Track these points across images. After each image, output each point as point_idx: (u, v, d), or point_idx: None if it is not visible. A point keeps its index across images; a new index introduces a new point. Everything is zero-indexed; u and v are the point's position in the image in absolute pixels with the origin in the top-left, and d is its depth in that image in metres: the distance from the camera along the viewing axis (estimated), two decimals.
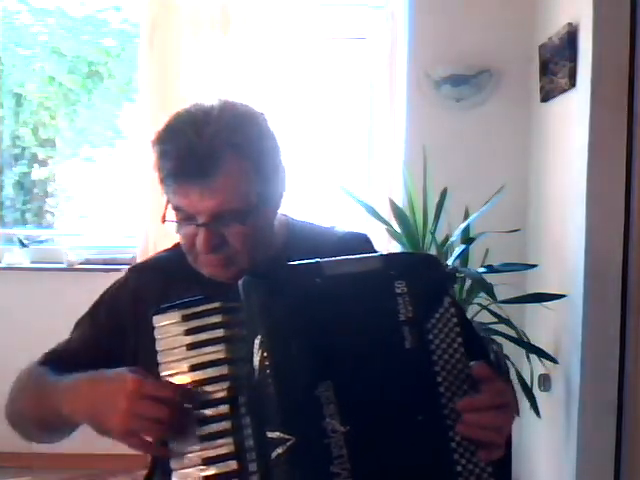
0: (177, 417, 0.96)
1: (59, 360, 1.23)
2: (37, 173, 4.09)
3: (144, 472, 1.31)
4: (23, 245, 3.52)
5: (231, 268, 1.15)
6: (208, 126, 1.10)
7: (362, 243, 1.31)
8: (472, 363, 0.96)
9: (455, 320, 0.98)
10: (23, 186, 4.06)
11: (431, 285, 0.99)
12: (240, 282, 0.98)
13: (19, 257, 3.47)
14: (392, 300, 0.97)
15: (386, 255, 1.03)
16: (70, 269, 3.41)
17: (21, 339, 3.31)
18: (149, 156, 1.16)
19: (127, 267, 1.34)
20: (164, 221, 1.16)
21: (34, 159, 4.05)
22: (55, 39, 3.96)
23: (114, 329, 1.24)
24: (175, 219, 1.15)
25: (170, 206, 1.15)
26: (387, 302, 0.97)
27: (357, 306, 0.97)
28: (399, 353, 0.96)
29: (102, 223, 3.98)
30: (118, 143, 4.07)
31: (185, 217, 1.13)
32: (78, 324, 1.30)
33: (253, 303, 0.96)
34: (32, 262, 3.48)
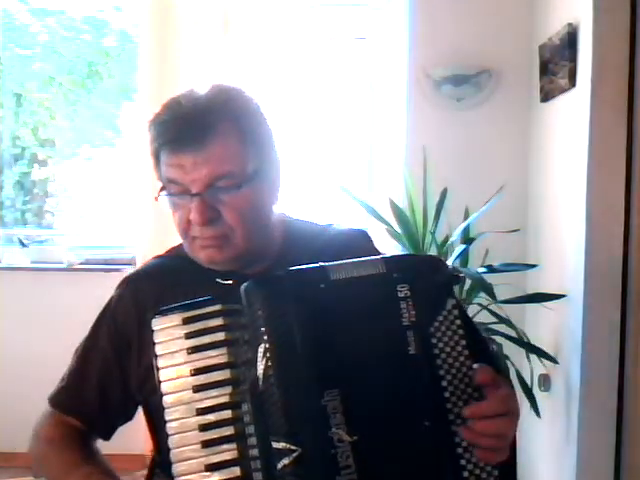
0: None
1: (70, 399, 1.24)
2: (37, 173, 4.09)
3: (144, 472, 1.31)
4: (23, 245, 3.53)
5: (227, 249, 1.13)
6: (203, 98, 1.13)
7: (361, 240, 1.30)
8: (476, 365, 0.96)
9: (458, 322, 0.97)
10: (23, 186, 4.06)
11: (434, 288, 0.98)
12: (242, 288, 0.96)
13: (19, 257, 3.47)
14: (395, 304, 0.96)
15: (389, 257, 1.02)
16: (70, 269, 3.40)
17: (21, 339, 3.32)
18: (148, 151, 1.16)
19: (126, 267, 1.34)
20: (157, 199, 1.14)
21: (34, 159, 4.05)
22: (55, 39, 3.96)
23: (118, 348, 1.22)
24: (169, 196, 1.13)
25: (163, 183, 1.13)
26: (390, 307, 0.96)
27: (361, 312, 0.96)
28: (404, 359, 0.95)
29: (102, 223, 3.97)
30: (118, 143, 4.07)
31: (179, 191, 1.11)
32: (80, 352, 1.27)
33: (256, 310, 0.94)
34: (32, 262, 3.48)
